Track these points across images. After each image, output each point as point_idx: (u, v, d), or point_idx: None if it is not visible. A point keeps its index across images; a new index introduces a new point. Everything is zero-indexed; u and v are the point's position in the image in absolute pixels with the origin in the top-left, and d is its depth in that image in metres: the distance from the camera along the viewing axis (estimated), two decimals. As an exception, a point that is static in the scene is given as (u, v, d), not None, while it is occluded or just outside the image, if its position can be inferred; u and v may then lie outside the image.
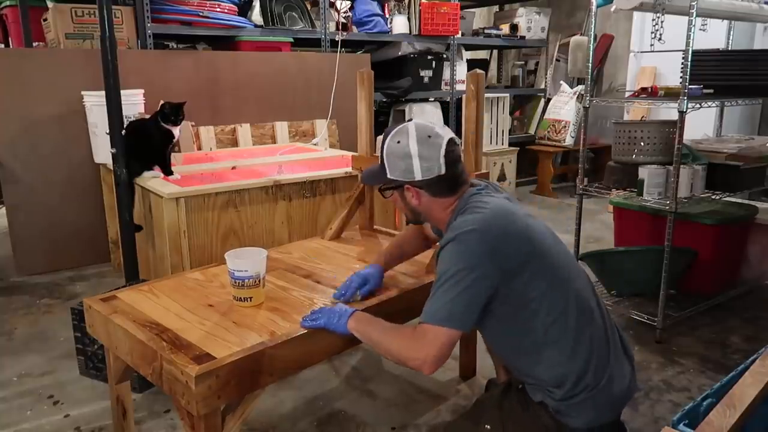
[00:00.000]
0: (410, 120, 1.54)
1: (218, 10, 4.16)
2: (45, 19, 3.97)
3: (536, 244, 1.44)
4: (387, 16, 5.30)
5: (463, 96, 2.10)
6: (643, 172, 2.72)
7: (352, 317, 1.57)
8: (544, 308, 1.43)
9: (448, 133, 1.53)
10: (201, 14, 4.07)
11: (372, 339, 1.54)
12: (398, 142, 1.52)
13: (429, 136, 1.50)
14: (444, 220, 1.57)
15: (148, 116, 3.07)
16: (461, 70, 5.66)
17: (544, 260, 1.44)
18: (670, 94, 2.87)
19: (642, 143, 2.82)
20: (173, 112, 2.89)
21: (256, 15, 4.44)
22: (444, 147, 1.50)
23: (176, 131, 2.96)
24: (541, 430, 1.49)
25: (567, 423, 1.46)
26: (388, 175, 1.56)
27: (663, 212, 2.74)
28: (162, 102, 2.95)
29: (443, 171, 1.50)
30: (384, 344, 1.51)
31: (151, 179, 2.84)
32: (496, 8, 6.90)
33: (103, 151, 3.35)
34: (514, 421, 1.52)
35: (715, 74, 3.20)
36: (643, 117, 4.89)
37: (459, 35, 5.55)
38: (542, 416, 1.49)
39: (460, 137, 2.12)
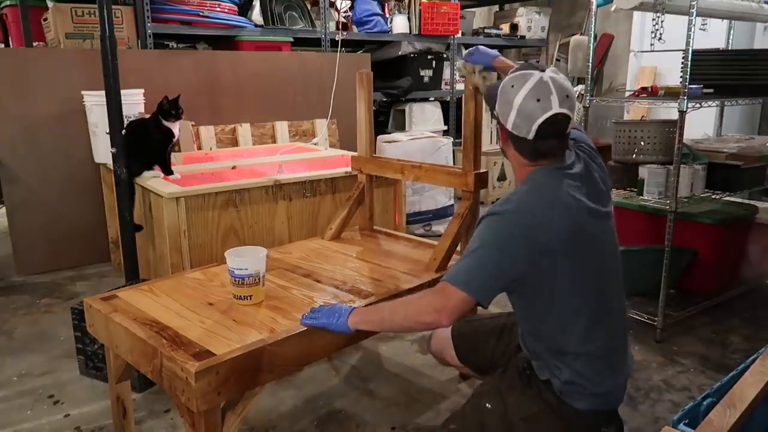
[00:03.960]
0: (545, 71, 1.43)
1: (218, 9, 4.16)
2: (45, 19, 3.97)
3: (571, 240, 1.40)
4: (387, 15, 5.30)
5: (463, 96, 2.10)
6: (643, 172, 2.72)
7: (351, 314, 1.58)
8: (562, 302, 1.44)
9: (560, 107, 1.40)
10: (201, 14, 4.08)
11: (377, 321, 1.57)
12: (512, 86, 1.44)
13: (538, 100, 1.40)
14: (519, 179, 1.54)
15: (148, 116, 3.07)
16: (461, 70, 5.66)
17: (573, 258, 1.41)
18: (670, 94, 2.87)
19: (642, 143, 2.82)
20: (172, 106, 2.89)
21: (257, 15, 4.44)
22: (544, 117, 1.39)
23: (176, 130, 2.96)
24: (542, 407, 1.50)
25: (571, 404, 1.48)
26: (496, 107, 1.51)
27: (663, 212, 2.74)
28: (160, 100, 2.95)
29: (530, 137, 1.42)
30: (396, 317, 1.53)
31: (152, 179, 2.84)
32: (496, 8, 6.90)
33: (103, 151, 3.35)
34: (516, 398, 1.53)
35: (715, 74, 3.20)
36: (643, 117, 4.89)
37: (459, 35, 5.56)
38: (545, 393, 1.51)
39: (460, 137, 2.12)
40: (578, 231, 1.41)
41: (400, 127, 5.45)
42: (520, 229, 1.39)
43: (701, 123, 4.25)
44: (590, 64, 2.99)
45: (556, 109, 1.39)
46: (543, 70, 1.44)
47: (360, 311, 1.59)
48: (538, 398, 1.52)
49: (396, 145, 4.25)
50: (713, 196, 2.86)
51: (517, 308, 1.57)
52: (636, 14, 5.16)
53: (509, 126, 1.45)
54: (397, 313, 1.53)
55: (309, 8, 4.73)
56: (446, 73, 5.62)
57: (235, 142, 4.13)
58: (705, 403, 1.24)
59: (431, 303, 1.44)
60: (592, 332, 1.46)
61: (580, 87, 5.85)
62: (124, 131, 2.62)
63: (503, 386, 1.58)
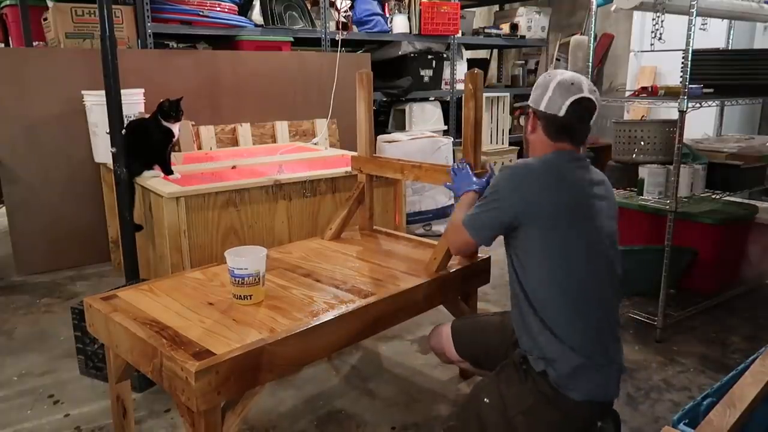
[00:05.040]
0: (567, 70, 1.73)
1: (218, 9, 4.16)
2: (45, 19, 3.97)
3: (566, 212, 1.55)
4: (387, 15, 5.30)
5: (463, 95, 2.10)
6: (643, 172, 2.72)
7: (467, 195, 1.89)
8: (556, 273, 1.54)
9: (589, 92, 1.60)
10: (201, 13, 4.07)
11: (454, 216, 1.83)
12: (548, 75, 1.65)
13: (572, 84, 1.60)
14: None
15: (148, 116, 3.07)
16: (461, 70, 5.66)
17: (566, 228, 1.55)
18: (670, 94, 2.87)
19: (642, 143, 2.83)
20: (173, 108, 2.88)
21: (257, 14, 4.44)
22: (576, 97, 1.59)
23: (176, 130, 2.96)
24: (538, 398, 1.54)
25: (567, 395, 1.52)
26: (529, 101, 1.72)
27: (663, 211, 2.74)
28: (160, 101, 2.96)
29: (560, 114, 1.59)
30: (450, 223, 1.83)
31: (152, 179, 2.84)
32: (496, 8, 6.90)
33: (103, 151, 3.35)
34: (513, 392, 1.58)
35: (715, 74, 3.20)
36: (643, 116, 4.89)
37: (459, 35, 5.55)
38: (541, 385, 1.55)
39: (460, 137, 2.12)
40: (575, 207, 1.57)
41: (400, 126, 5.45)
42: (517, 181, 1.58)
43: (701, 123, 4.25)
44: (590, 64, 2.99)
45: (586, 93, 1.60)
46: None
47: (467, 198, 1.89)
48: (534, 390, 1.55)
49: (396, 145, 4.25)
50: (713, 196, 2.86)
51: (512, 269, 1.64)
52: (636, 14, 5.16)
53: (542, 106, 1.62)
54: (449, 224, 1.84)
55: (309, 8, 4.73)
56: (446, 73, 5.62)
57: (235, 142, 4.13)
58: (705, 402, 1.25)
59: (453, 234, 1.77)
60: (580, 314, 1.54)
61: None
62: (124, 131, 2.62)
63: (501, 381, 1.62)
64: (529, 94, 1.70)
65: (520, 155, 5.64)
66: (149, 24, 3.88)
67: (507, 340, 1.79)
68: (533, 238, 1.56)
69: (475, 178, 1.95)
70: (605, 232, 1.61)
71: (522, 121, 6.39)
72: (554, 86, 1.60)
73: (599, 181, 1.68)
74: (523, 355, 1.61)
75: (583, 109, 1.60)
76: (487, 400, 1.59)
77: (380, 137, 4.37)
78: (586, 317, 1.54)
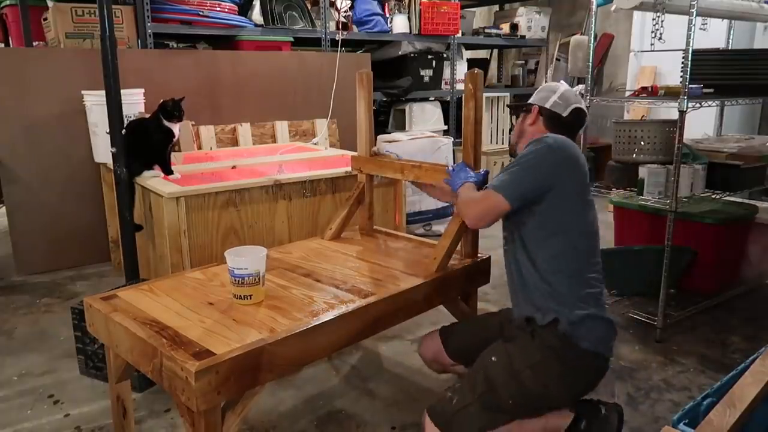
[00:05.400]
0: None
1: (218, 9, 4.16)
2: (45, 19, 3.97)
3: (584, 180, 1.75)
4: (387, 15, 5.30)
5: (463, 95, 2.10)
6: (643, 172, 2.72)
7: (465, 184, 1.91)
8: (559, 232, 1.69)
9: (585, 108, 1.88)
10: (201, 13, 4.08)
11: (459, 198, 1.89)
12: (554, 85, 1.90)
13: (575, 95, 1.89)
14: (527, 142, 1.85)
15: (148, 115, 3.07)
16: (461, 70, 5.66)
17: (582, 197, 1.73)
18: (670, 94, 2.87)
19: (642, 142, 2.82)
20: (175, 108, 2.89)
21: (257, 14, 4.44)
22: (578, 105, 1.85)
23: (176, 130, 2.96)
24: (545, 353, 1.62)
25: (576, 343, 1.62)
26: (530, 101, 1.91)
27: (663, 211, 2.74)
28: (162, 101, 2.96)
29: (564, 114, 1.84)
30: (461, 202, 1.86)
31: (152, 178, 2.84)
32: (496, 8, 6.90)
33: (103, 151, 3.35)
34: (520, 349, 1.66)
35: (715, 74, 3.20)
36: (643, 116, 4.89)
37: (459, 35, 5.55)
38: (548, 339, 1.63)
39: (460, 137, 2.12)
40: (587, 184, 1.76)
41: (400, 126, 5.45)
42: (551, 154, 1.70)
43: (701, 123, 4.25)
44: (590, 64, 2.99)
45: (584, 106, 1.89)
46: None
47: (466, 186, 1.90)
48: (541, 346, 1.64)
49: (396, 145, 4.25)
50: (713, 196, 2.86)
51: (514, 228, 1.77)
52: (636, 14, 5.16)
53: (549, 105, 1.85)
54: (461, 202, 1.87)
55: (309, 8, 4.73)
56: (446, 73, 5.62)
57: (235, 142, 4.13)
58: (705, 402, 1.24)
59: (469, 207, 1.78)
60: (584, 277, 1.69)
61: (580, 87, 5.85)
62: (124, 131, 2.62)
63: (507, 341, 1.71)
64: (530, 94, 1.90)
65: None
66: (149, 24, 3.88)
67: (498, 337, 1.81)
68: (555, 208, 1.69)
69: (472, 172, 1.98)
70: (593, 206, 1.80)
71: (515, 120, 6.40)
72: (561, 92, 1.86)
73: None
74: (527, 317, 1.70)
75: (581, 116, 1.87)
76: (494, 359, 1.66)
77: (380, 137, 4.37)
78: (589, 280, 1.69)
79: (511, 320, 1.83)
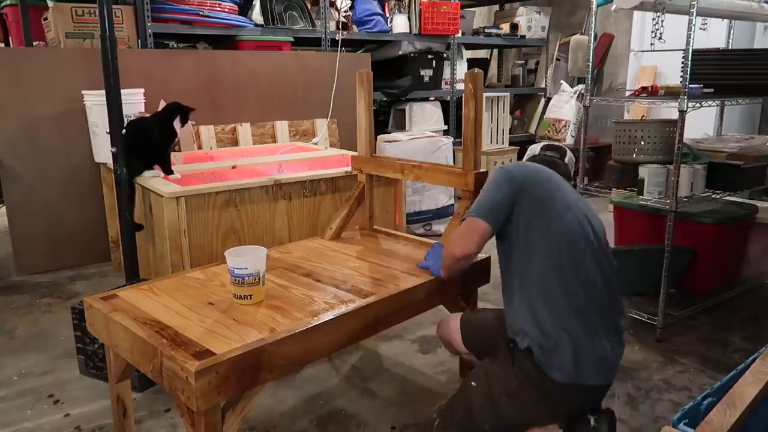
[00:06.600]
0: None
1: (218, 9, 4.16)
2: (45, 19, 3.97)
3: (555, 201, 1.69)
4: (387, 15, 5.30)
5: (463, 95, 2.11)
6: (644, 172, 2.72)
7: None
8: (540, 252, 1.64)
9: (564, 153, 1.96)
10: (201, 13, 4.07)
11: (446, 267, 1.84)
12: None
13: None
14: None
15: (147, 115, 3.07)
16: (461, 70, 5.66)
17: (555, 217, 1.67)
18: (671, 94, 2.87)
19: (642, 142, 2.82)
20: (188, 112, 2.91)
21: (257, 14, 4.44)
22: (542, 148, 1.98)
23: (178, 130, 2.97)
24: (522, 380, 1.60)
25: (548, 374, 1.57)
26: None
27: (663, 211, 2.74)
28: (176, 102, 2.95)
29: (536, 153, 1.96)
30: (446, 260, 1.81)
31: (152, 178, 2.84)
32: (496, 7, 6.90)
33: (103, 151, 3.35)
34: (499, 375, 1.64)
35: (715, 73, 3.20)
36: (643, 116, 4.89)
37: (459, 34, 5.55)
38: (526, 366, 1.60)
39: (461, 137, 2.13)
40: (557, 194, 1.70)
41: (400, 126, 5.45)
42: (513, 171, 1.73)
43: (701, 123, 4.25)
44: (590, 64, 2.99)
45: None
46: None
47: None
48: (519, 373, 1.61)
49: (396, 145, 4.25)
50: (713, 196, 2.86)
51: (505, 265, 1.74)
52: (636, 14, 5.16)
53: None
54: (446, 257, 1.81)
55: (309, 8, 4.73)
56: (446, 73, 5.62)
57: (235, 142, 4.13)
58: (705, 402, 1.24)
59: (453, 239, 1.76)
60: (564, 294, 1.60)
61: (581, 86, 5.86)
62: (124, 131, 2.62)
63: (489, 365, 1.70)
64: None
65: (520, 155, 5.63)
66: (149, 24, 3.88)
67: (504, 334, 1.81)
68: (528, 221, 1.67)
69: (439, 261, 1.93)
70: (584, 221, 1.72)
71: (516, 122, 6.42)
72: (536, 150, 1.97)
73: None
74: (512, 338, 1.67)
75: (553, 148, 1.98)
76: (474, 384, 1.67)
77: (380, 137, 4.37)
78: (574, 299, 1.61)
79: (505, 335, 1.77)
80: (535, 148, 2.01)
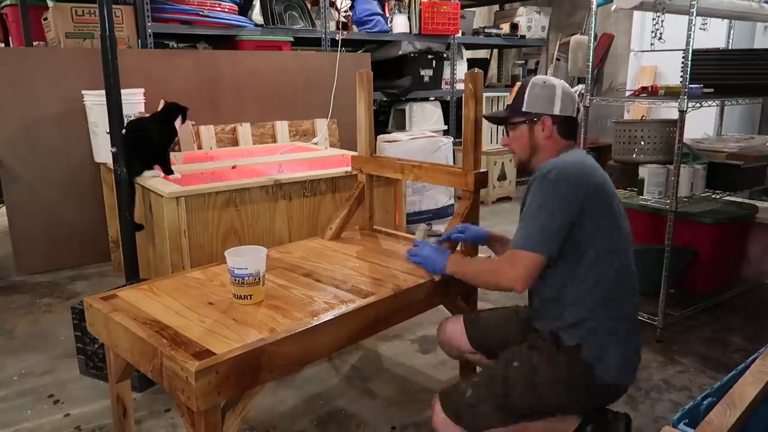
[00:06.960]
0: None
1: (219, 9, 4.16)
2: (45, 19, 3.97)
3: (605, 199, 1.63)
4: (387, 15, 5.30)
5: (463, 95, 2.10)
6: (644, 172, 2.72)
7: (449, 261, 1.81)
8: (600, 258, 1.60)
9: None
10: (201, 13, 4.08)
11: (468, 275, 1.78)
12: (543, 82, 1.73)
13: (569, 87, 1.75)
14: (551, 155, 1.74)
15: (147, 115, 3.07)
16: (461, 70, 5.67)
17: (607, 216, 1.63)
18: (671, 94, 2.87)
19: (642, 142, 2.82)
20: (185, 113, 2.91)
21: (257, 14, 4.44)
22: (578, 98, 1.77)
23: (178, 130, 2.97)
24: (568, 373, 1.59)
25: (596, 371, 1.58)
26: (524, 109, 1.73)
27: (663, 211, 2.74)
28: (176, 103, 2.95)
29: (574, 114, 1.74)
30: (481, 276, 1.74)
31: (152, 178, 2.84)
32: (496, 7, 6.90)
33: (103, 151, 3.35)
34: (544, 361, 1.62)
35: (715, 73, 3.20)
36: (643, 116, 4.89)
37: (459, 34, 5.56)
38: (571, 361, 1.60)
39: (461, 137, 2.12)
40: (606, 190, 1.64)
41: (400, 126, 5.45)
42: (564, 186, 1.58)
43: (701, 123, 4.25)
44: (590, 64, 2.99)
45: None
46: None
47: (456, 261, 1.81)
48: (565, 364, 1.60)
49: (396, 145, 4.25)
50: (713, 196, 2.86)
51: (553, 274, 1.64)
52: (636, 14, 5.16)
53: (557, 110, 1.70)
54: (481, 275, 1.74)
55: (309, 8, 4.73)
56: (446, 73, 5.62)
57: (235, 142, 4.13)
58: (705, 402, 1.24)
59: (509, 272, 1.60)
60: (619, 297, 1.62)
61: (581, 87, 5.85)
62: (124, 131, 2.62)
63: (532, 349, 1.67)
64: None
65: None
66: (149, 24, 3.88)
67: (522, 328, 1.83)
68: (586, 232, 1.60)
69: (438, 256, 1.86)
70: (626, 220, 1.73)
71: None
72: (561, 93, 1.71)
73: None
74: (555, 332, 1.65)
75: (581, 107, 1.84)
76: (516, 364, 1.64)
77: (380, 137, 4.37)
78: (622, 304, 1.63)
79: (534, 327, 1.75)
80: (569, 91, 1.80)
